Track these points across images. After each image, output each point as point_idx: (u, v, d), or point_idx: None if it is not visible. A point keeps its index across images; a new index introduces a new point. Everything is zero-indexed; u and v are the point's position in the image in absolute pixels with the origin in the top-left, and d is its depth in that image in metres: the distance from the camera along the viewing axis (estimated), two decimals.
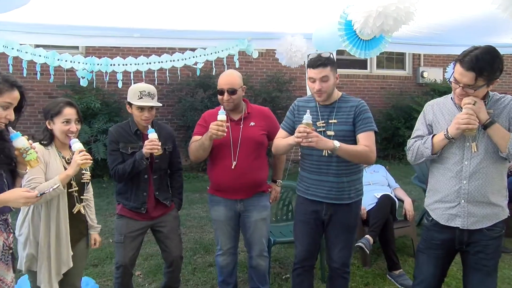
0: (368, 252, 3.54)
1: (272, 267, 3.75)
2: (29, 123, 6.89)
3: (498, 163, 2.16)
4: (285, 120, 2.70)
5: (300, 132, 2.27)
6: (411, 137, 2.39)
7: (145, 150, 2.62)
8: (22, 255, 2.30)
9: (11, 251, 1.91)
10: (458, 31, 3.77)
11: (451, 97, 2.27)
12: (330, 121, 2.52)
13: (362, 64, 9.52)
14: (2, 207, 1.80)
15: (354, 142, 2.50)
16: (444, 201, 2.24)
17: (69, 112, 2.36)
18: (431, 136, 2.24)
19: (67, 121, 2.35)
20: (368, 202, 3.96)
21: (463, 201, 2.18)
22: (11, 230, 1.97)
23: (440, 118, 2.28)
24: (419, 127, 2.37)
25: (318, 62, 2.44)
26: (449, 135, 2.13)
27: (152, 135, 2.63)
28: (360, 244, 3.52)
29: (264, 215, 2.91)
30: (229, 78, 2.79)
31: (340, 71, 8.99)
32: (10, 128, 1.84)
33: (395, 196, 4.11)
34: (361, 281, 3.55)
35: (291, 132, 2.59)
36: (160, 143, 2.64)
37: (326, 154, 2.49)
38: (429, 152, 2.22)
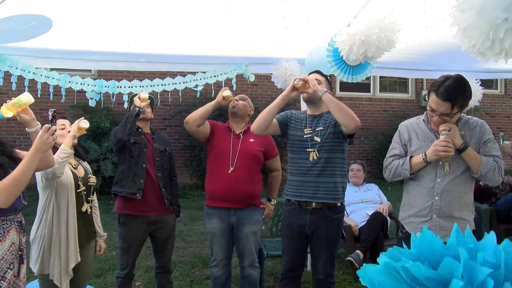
0: (358, 266, 3.67)
1: (266, 281, 3.91)
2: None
3: (467, 181, 2.34)
4: (280, 114, 2.88)
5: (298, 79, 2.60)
6: (388, 156, 2.55)
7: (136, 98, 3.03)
8: (36, 258, 2.51)
9: (20, 252, 2.13)
10: (445, 57, 3.97)
11: (423, 119, 2.46)
12: (317, 129, 2.73)
13: (365, 87, 9.75)
14: (16, 203, 2.04)
15: (340, 145, 2.72)
16: (418, 215, 2.40)
17: (62, 122, 2.70)
18: (409, 157, 2.41)
19: (63, 127, 2.69)
20: (360, 219, 4.11)
21: (435, 215, 2.34)
22: (25, 232, 2.20)
23: (414, 138, 2.45)
24: (395, 146, 2.54)
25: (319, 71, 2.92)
26: (428, 159, 2.30)
27: (144, 93, 3.06)
28: (350, 258, 3.67)
29: (255, 229, 3.10)
30: (244, 95, 3.27)
31: (344, 94, 9.32)
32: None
33: (388, 214, 4.26)
34: None
35: (279, 120, 2.83)
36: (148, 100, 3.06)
37: (312, 160, 2.68)
38: (407, 174, 2.39)
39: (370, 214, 4.09)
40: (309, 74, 2.88)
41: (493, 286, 0.76)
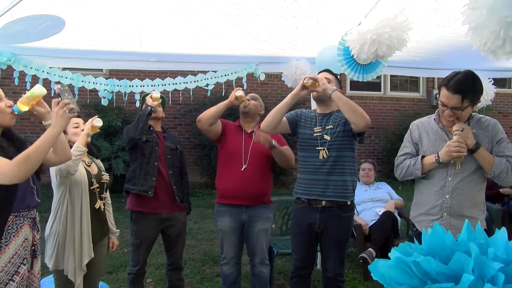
0: (371, 263, 3.67)
1: (276, 279, 3.93)
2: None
3: (479, 180, 2.33)
4: (290, 113, 2.90)
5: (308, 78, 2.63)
6: (399, 154, 2.55)
7: (148, 98, 3.06)
8: (51, 253, 2.56)
9: (33, 247, 2.17)
10: (457, 56, 3.95)
11: (434, 118, 2.46)
12: (326, 127, 2.75)
13: (376, 86, 9.70)
14: (29, 200, 2.09)
15: (350, 144, 2.72)
16: (428, 214, 2.39)
17: (76, 120, 2.73)
18: (420, 157, 2.39)
19: (76, 125, 2.73)
20: (370, 218, 4.11)
21: (445, 214, 2.33)
22: (38, 229, 2.24)
23: (425, 137, 2.45)
24: (406, 145, 2.54)
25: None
26: (440, 160, 2.30)
27: (156, 93, 3.09)
28: (364, 255, 3.67)
29: (266, 226, 3.12)
30: (255, 94, 3.28)
31: (354, 93, 9.29)
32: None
33: (398, 214, 4.24)
34: None
35: (289, 118, 2.85)
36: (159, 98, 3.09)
37: (322, 158, 2.70)
38: (419, 173, 2.39)
39: (380, 213, 4.08)
40: (319, 73, 2.89)
41: (504, 280, 0.77)
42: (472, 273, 0.79)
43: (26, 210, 2.12)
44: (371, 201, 4.26)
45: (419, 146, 2.47)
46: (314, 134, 2.75)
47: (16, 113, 2.05)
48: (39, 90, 2.07)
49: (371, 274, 0.94)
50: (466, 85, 2.20)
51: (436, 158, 2.31)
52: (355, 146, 2.81)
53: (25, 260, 2.08)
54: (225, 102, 3.06)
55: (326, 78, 2.70)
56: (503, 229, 0.93)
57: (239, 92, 3.03)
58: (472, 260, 0.80)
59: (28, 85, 3.62)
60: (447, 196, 2.32)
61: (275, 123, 2.76)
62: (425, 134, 2.45)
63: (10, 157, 1.93)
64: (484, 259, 0.81)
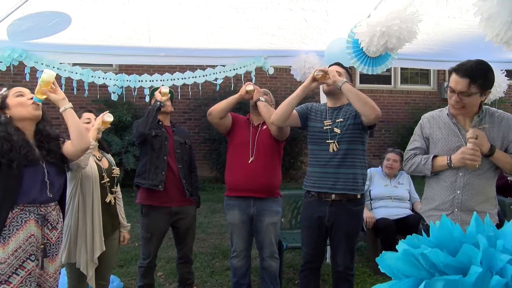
0: None
1: (286, 273, 3.93)
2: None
3: (490, 175, 2.30)
4: (300, 106, 2.91)
5: (319, 70, 2.65)
6: (408, 148, 2.50)
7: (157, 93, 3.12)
8: (63, 247, 2.56)
9: (42, 246, 2.14)
10: (469, 47, 3.89)
11: (447, 113, 2.41)
12: (337, 120, 2.74)
13: (386, 79, 9.62)
14: (35, 194, 2.08)
15: (360, 137, 2.72)
16: (439, 209, 2.36)
17: (88, 116, 2.79)
18: (431, 157, 2.34)
19: (88, 121, 2.77)
20: (381, 216, 4.03)
21: (456, 209, 2.30)
22: (55, 227, 2.22)
23: (436, 131, 2.40)
24: (417, 139, 2.49)
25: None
26: (452, 165, 2.26)
27: (165, 88, 3.14)
28: None
29: (275, 220, 3.13)
30: (266, 89, 3.29)
31: (364, 86, 9.22)
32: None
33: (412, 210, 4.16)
34: None
35: (300, 111, 2.85)
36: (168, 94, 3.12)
37: (332, 151, 2.70)
38: (428, 173, 2.36)
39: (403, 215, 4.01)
40: (329, 66, 2.88)
41: None
42: (480, 265, 0.79)
43: (32, 205, 2.09)
44: (389, 199, 4.11)
45: (430, 140, 2.43)
46: (324, 127, 2.75)
47: (38, 103, 2.11)
48: (47, 75, 2.13)
49: (379, 267, 0.94)
50: (476, 70, 2.16)
51: (448, 162, 2.27)
52: (365, 140, 2.80)
53: (32, 256, 2.06)
54: (236, 96, 3.08)
55: (336, 71, 2.70)
56: None
57: (249, 87, 3.05)
58: (481, 252, 0.79)
59: (39, 80, 3.66)
60: (458, 192, 2.29)
61: (286, 115, 2.77)
62: (437, 128, 2.40)
63: (26, 153, 2.04)
64: (493, 251, 0.80)
